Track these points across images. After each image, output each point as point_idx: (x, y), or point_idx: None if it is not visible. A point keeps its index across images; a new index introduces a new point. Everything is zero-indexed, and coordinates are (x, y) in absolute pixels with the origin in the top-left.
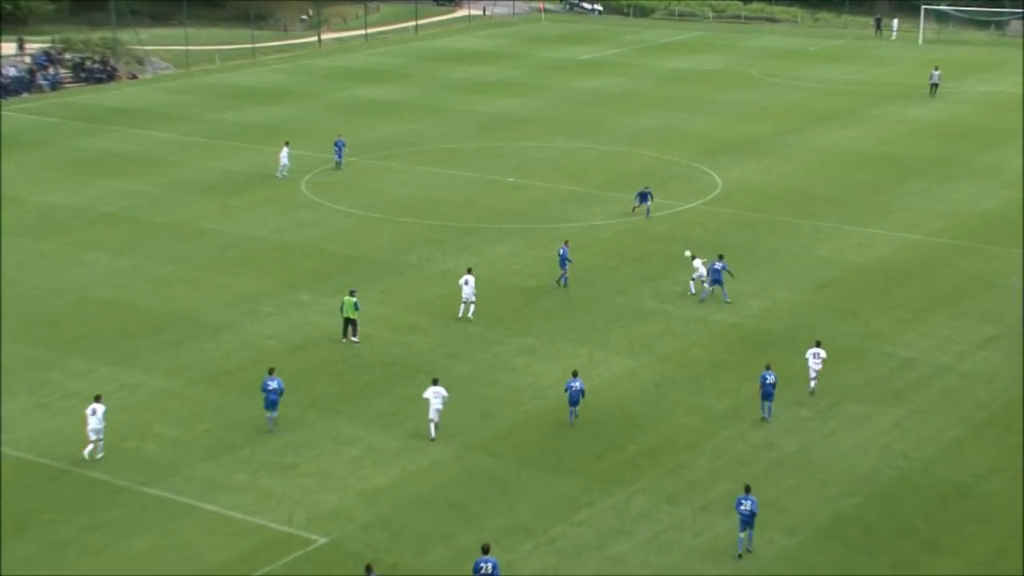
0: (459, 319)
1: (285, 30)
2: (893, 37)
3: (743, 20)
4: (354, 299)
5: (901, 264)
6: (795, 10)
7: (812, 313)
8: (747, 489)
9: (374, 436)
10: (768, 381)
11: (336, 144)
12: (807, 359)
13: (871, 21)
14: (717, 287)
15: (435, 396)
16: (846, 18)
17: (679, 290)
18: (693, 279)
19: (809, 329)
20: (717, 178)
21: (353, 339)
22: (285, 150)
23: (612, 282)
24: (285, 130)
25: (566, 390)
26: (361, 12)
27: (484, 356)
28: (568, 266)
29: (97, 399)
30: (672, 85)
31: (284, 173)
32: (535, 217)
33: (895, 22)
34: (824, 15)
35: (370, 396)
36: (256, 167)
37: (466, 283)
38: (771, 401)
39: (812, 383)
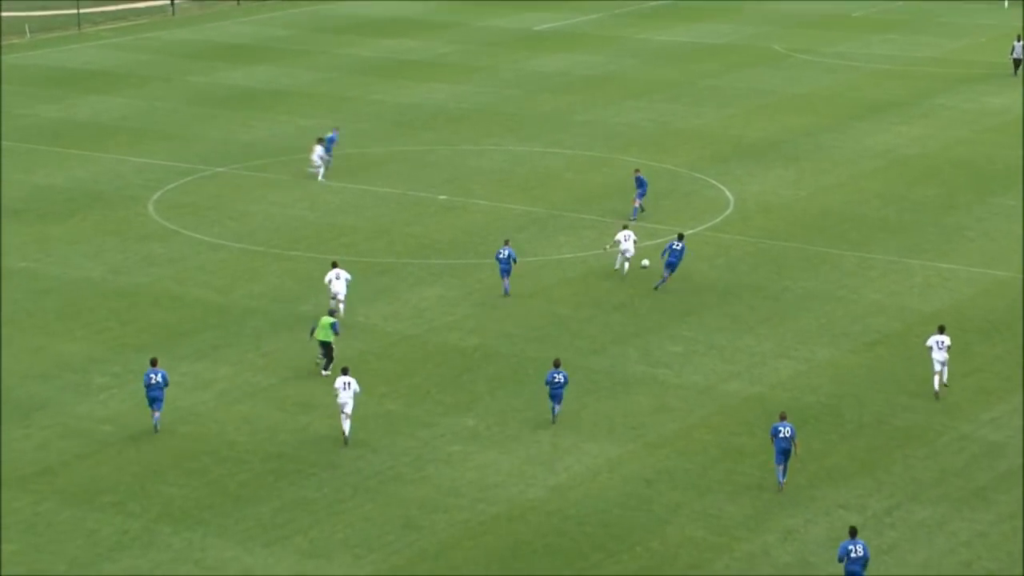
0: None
1: None
2: None
3: None
4: (332, 319)
5: (984, 312)
6: None
7: (861, 381)
8: (853, 532)
9: (253, 557)
10: (782, 435)
11: (328, 140)
12: (929, 348)
13: None
14: (669, 272)
15: (344, 388)
16: None
17: (679, 350)
18: (621, 252)
19: (858, 402)
20: (728, 193)
21: (323, 372)
22: (318, 148)
23: (584, 339)
24: (124, 129)
25: (547, 383)
26: None
27: (408, 444)
28: (513, 268)
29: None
30: (665, 65)
31: (320, 176)
32: (476, 249)
33: None
34: None
35: (248, 501)
36: (84, 182)
37: (336, 277)
38: (787, 462)
39: (937, 381)
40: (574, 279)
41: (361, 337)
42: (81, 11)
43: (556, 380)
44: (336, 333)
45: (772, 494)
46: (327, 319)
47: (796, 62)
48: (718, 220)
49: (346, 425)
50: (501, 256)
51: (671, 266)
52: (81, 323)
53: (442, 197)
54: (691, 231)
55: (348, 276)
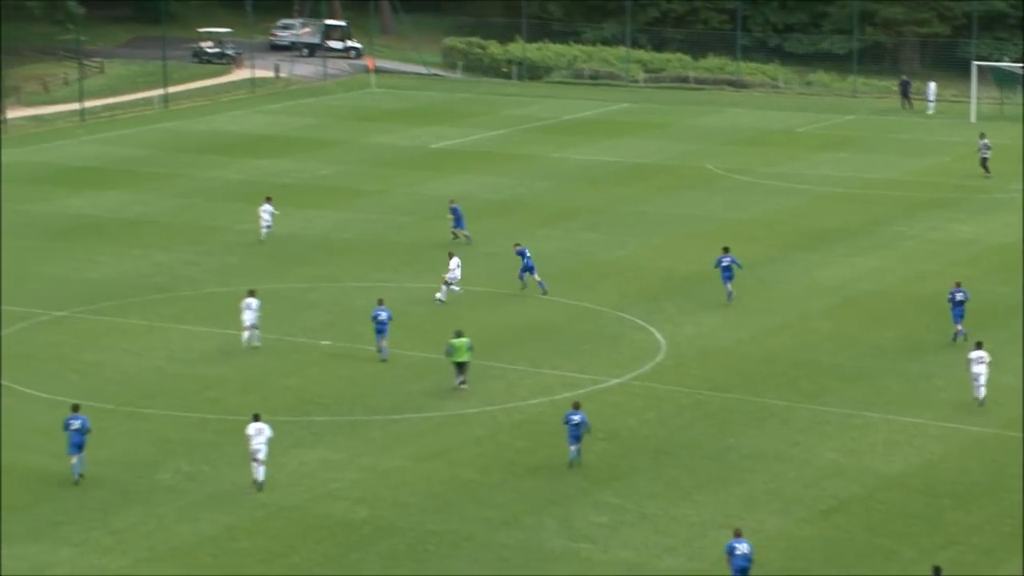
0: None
1: None
2: (930, 110)
3: (693, 85)
4: (466, 339)
5: (959, 473)
6: (775, 69)
7: (818, 555)
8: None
9: None
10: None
11: (453, 211)
12: (969, 361)
13: (895, 86)
14: (729, 284)
15: (257, 434)
16: (855, 81)
17: (605, 520)
18: (447, 283)
19: None
20: (659, 336)
21: (462, 385)
22: (267, 207)
23: (494, 508)
24: None
25: (565, 423)
26: (73, 74)
27: None
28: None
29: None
30: (582, 188)
31: (264, 234)
32: (366, 403)
33: (931, 87)
34: (820, 76)
35: None
36: None
37: (248, 307)
38: None
39: (983, 392)
40: (482, 437)
41: (228, 509)
42: None
43: (573, 421)
44: (470, 350)
45: None
46: (463, 340)
47: (733, 184)
48: (648, 368)
49: (260, 472)
50: (380, 317)
51: (728, 279)
52: None
53: (325, 342)
54: (616, 380)
55: (256, 310)
